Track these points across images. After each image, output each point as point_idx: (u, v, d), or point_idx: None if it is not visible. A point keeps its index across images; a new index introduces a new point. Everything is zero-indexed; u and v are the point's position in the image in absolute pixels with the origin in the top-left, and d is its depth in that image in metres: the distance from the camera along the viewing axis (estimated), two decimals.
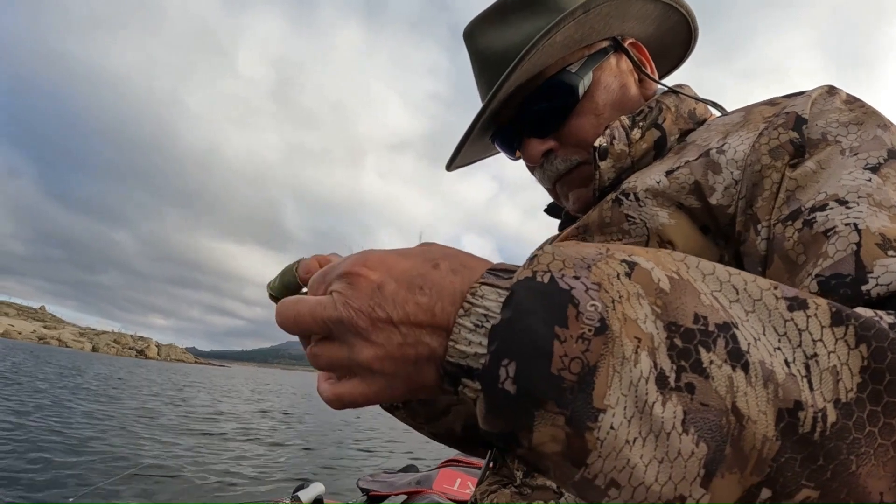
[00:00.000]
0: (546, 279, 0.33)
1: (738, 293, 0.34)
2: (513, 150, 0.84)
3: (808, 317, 0.32)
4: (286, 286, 0.72)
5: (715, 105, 0.77)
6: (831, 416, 0.30)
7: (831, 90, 0.58)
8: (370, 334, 0.36)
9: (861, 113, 0.55)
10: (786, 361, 0.31)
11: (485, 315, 0.34)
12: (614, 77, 0.78)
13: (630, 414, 0.30)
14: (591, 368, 0.30)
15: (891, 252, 0.40)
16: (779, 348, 0.31)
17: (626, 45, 0.79)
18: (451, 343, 0.35)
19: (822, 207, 0.47)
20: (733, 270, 0.35)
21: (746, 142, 0.57)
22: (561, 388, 0.30)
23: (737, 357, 0.31)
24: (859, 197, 0.45)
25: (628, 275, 0.33)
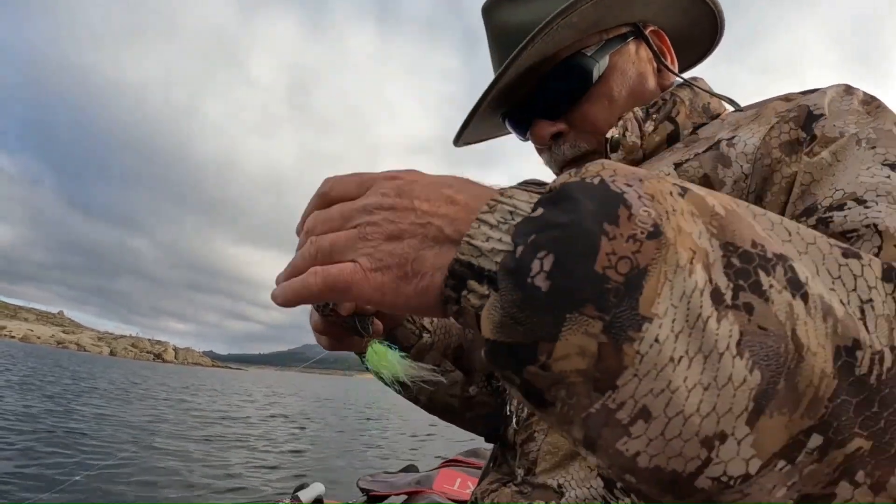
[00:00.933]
0: (596, 181, 0.31)
1: (790, 234, 0.32)
2: (523, 131, 0.83)
3: (862, 265, 0.31)
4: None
5: (730, 101, 0.76)
6: (888, 361, 0.28)
7: (848, 89, 0.58)
8: (386, 210, 0.37)
9: (877, 109, 0.55)
10: (841, 301, 0.29)
11: (511, 212, 0.33)
12: (632, 64, 0.77)
13: (679, 328, 0.27)
14: (640, 271, 0.28)
15: None
16: (833, 289, 0.30)
17: (647, 32, 0.78)
18: (466, 239, 0.33)
19: (840, 207, 0.46)
20: (780, 217, 0.34)
21: (757, 135, 0.57)
22: (604, 289, 0.28)
23: (796, 286, 0.29)
24: (878, 195, 0.44)
25: (682, 195, 0.31)
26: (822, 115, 0.54)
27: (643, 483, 0.29)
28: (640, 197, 0.30)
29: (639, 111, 0.73)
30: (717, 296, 0.28)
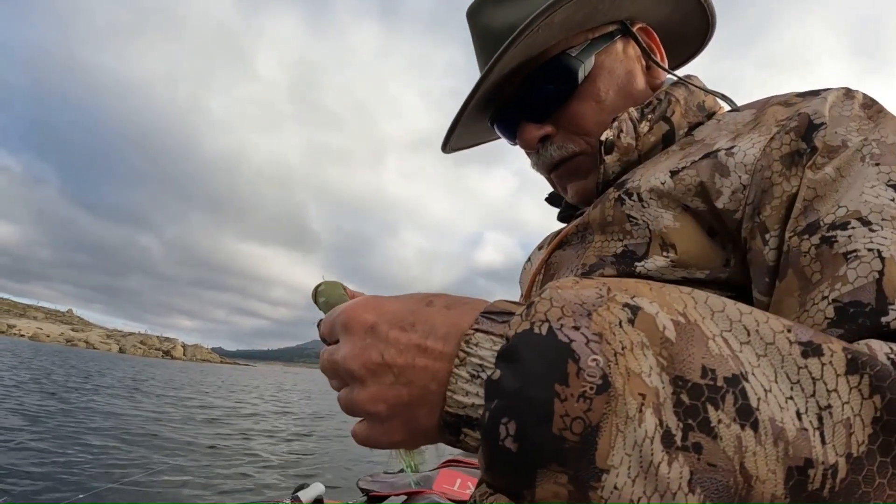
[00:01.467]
0: (544, 330, 0.33)
1: (749, 335, 0.32)
2: (511, 134, 0.82)
3: (822, 364, 0.31)
4: (331, 304, 0.77)
5: (724, 98, 0.76)
6: (842, 472, 0.29)
7: (848, 93, 0.57)
8: (364, 377, 0.39)
9: (879, 116, 0.54)
10: (798, 413, 0.30)
11: (480, 365, 0.35)
12: (619, 63, 0.76)
13: (635, 473, 0.30)
14: (593, 429, 0.30)
15: None
16: (791, 398, 0.31)
17: (634, 29, 0.77)
18: (448, 393, 0.36)
19: (844, 226, 0.45)
20: (745, 308, 0.34)
21: (757, 145, 0.55)
22: (563, 449, 0.30)
23: (746, 415, 0.30)
24: (883, 219, 0.44)
25: (631, 321, 0.32)
26: (822, 123, 0.53)
27: None
28: (587, 342, 0.31)
29: (633, 111, 0.72)
30: (667, 438, 0.30)
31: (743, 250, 0.54)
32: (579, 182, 0.77)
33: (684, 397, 0.30)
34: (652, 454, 0.29)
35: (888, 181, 0.47)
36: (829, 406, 0.30)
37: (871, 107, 0.55)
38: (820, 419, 0.30)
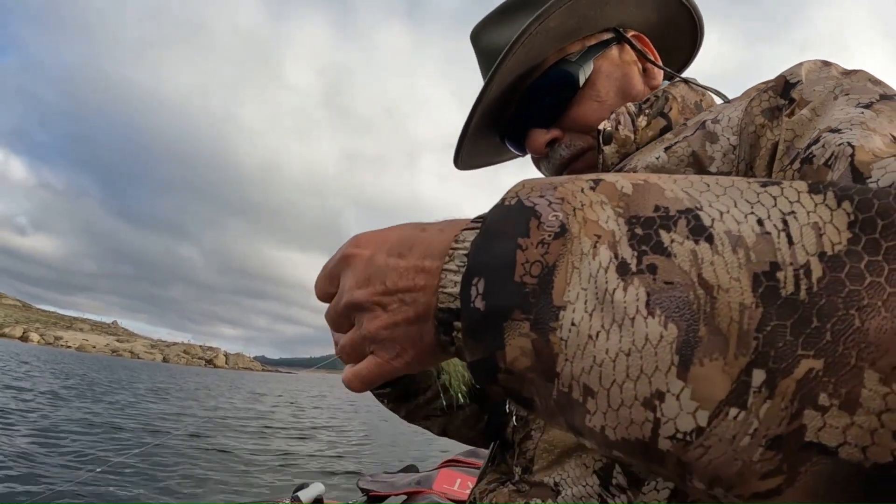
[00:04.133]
0: (513, 202, 0.36)
1: (708, 186, 0.33)
2: (521, 145, 0.87)
3: (782, 188, 0.31)
4: None
5: (718, 93, 0.82)
6: (817, 271, 0.27)
7: (826, 63, 0.60)
8: (373, 306, 0.41)
9: (855, 72, 0.57)
10: (759, 221, 0.29)
11: (465, 254, 0.37)
12: (616, 66, 0.82)
13: (591, 307, 0.30)
14: (549, 268, 0.32)
15: (888, 157, 0.40)
16: (752, 213, 0.30)
17: (629, 35, 0.83)
18: (440, 289, 0.37)
19: (817, 140, 0.47)
20: (703, 175, 0.35)
21: (739, 108, 0.59)
22: (524, 294, 0.32)
23: (699, 231, 0.30)
24: (852, 125, 0.45)
25: (593, 188, 0.35)
26: (798, 81, 0.56)
27: (628, 456, 0.31)
28: (550, 204, 0.34)
29: (631, 106, 0.76)
30: (622, 267, 0.30)
31: None
32: None
33: (638, 230, 0.31)
34: (607, 283, 0.30)
35: (857, 103, 0.49)
36: (794, 212, 0.29)
37: (849, 72, 0.58)
38: (784, 222, 0.29)
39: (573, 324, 0.30)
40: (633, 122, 0.75)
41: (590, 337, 0.30)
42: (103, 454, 7.08)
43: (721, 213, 0.30)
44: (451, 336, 0.38)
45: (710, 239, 0.29)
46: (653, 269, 0.29)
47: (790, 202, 0.30)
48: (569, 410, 0.32)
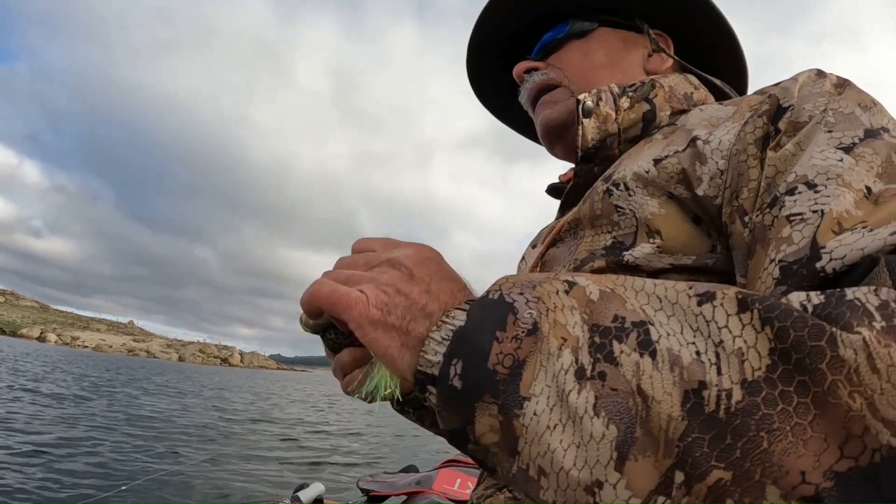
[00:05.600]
0: (496, 296, 0.41)
1: (661, 301, 0.38)
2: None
3: (714, 307, 0.35)
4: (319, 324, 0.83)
5: (726, 86, 0.84)
6: (737, 395, 0.31)
7: (820, 73, 0.59)
8: (410, 270, 0.47)
9: (846, 89, 0.56)
10: (697, 352, 0.34)
11: (451, 330, 0.42)
12: (621, 41, 0.85)
13: (552, 403, 0.35)
14: (520, 362, 0.37)
15: (846, 232, 0.41)
16: (693, 342, 0.34)
17: (652, 32, 0.86)
18: (421, 353, 0.43)
19: (792, 191, 0.48)
20: (660, 282, 0.40)
21: (732, 131, 0.58)
22: (495, 381, 0.37)
23: (645, 346, 0.35)
24: (828, 178, 0.46)
25: (567, 291, 0.40)
26: (790, 105, 0.55)
27: None
28: (527, 302, 0.40)
29: (615, 87, 0.77)
30: (580, 372, 0.35)
31: (727, 236, 0.56)
32: (549, 111, 0.85)
33: (597, 338, 0.36)
34: (565, 384, 0.35)
35: (838, 144, 0.49)
36: (722, 342, 0.33)
37: (843, 85, 0.57)
38: (717, 355, 0.33)
39: (535, 413, 0.36)
40: (615, 101, 0.76)
41: (548, 427, 0.35)
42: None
43: (668, 334, 0.35)
44: (424, 395, 0.43)
45: (653, 354, 0.34)
46: (602, 376, 0.35)
47: (719, 328, 0.34)
48: (526, 483, 0.37)
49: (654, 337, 0.35)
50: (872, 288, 0.33)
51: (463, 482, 3.72)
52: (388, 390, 0.50)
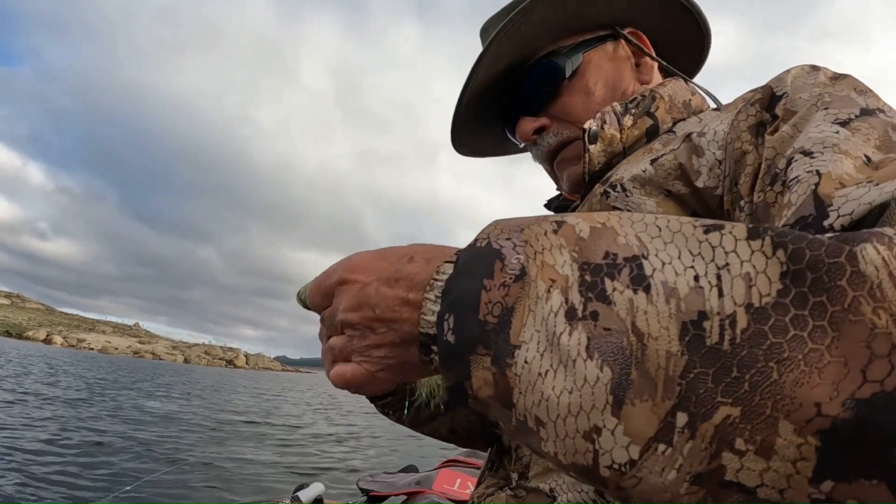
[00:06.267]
0: (483, 244, 0.40)
1: (660, 230, 0.36)
2: (514, 132, 0.90)
3: (722, 234, 0.33)
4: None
5: (711, 96, 0.82)
6: (741, 322, 0.29)
7: (814, 67, 0.59)
8: (362, 328, 0.47)
9: (843, 78, 0.56)
10: (695, 276, 0.31)
11: (442, 287, 0.42)
12: (608, 60, 0.84)
13: (542, 348, 0.34)
14: (509, 310, 0.36)
15: (851, 185, 0.40)
16: (691, 266, 0.32)
17: (625, 32, 0.85)
18: (420, 316, 0.43)
19: (790, 162, 0.48)
20: (662, 215, 0.37)
21: (726, 121, 0.59)
22: (486, 331, 0.36)
23: (639, 281, 0.33)
24: (824, 147, 0.45)
25: (555, 231, 0.38)
26: (784, 93, 0.56)
27: (579, 478, 0.35)
28: (514, 247, 0.38)
29: (617, 106, 0.77)
30: (570, 312, 0.34)
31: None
32: (573, 168, 0.83)
33: (587, 277, 0.34)
34: (555, 327, 0.34)
35: (834, 119, 0.49)
36: (728, 264, 0.31)
37: (838, 77, 0.57)
38: (718, 277, 0.31)
39: (526, 361, 0.34)
40: (618, 121, 0.76)
41: (539, 374, 0.34)
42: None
43: (663, 264, 0.33)
44: (430, 357, 0.43)
45: (647, 289, 0.32)
46: (595, 315, 0.33)
47: (726, 252, 0.32)
48: (526, 436, 0.36)
49: (648, 271, 0.33)
50: (888, 229, 0.31)
51: (463, 482, 3.72)
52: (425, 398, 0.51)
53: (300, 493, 3.66)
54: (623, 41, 0.85)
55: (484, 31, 0.92)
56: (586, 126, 0.76)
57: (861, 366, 0.27)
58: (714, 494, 0.29)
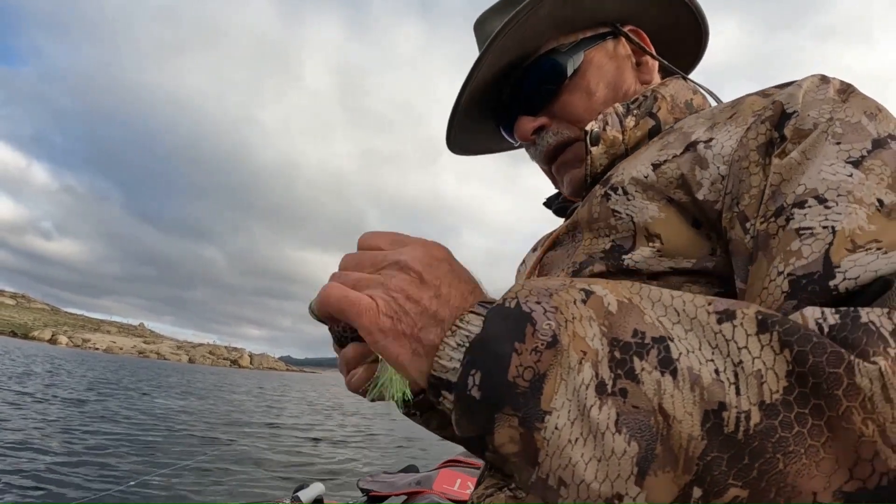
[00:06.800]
0: (513, 304, 0.42)
1: (678, 315, 0.39)
2: (512, 132, 0.89)
3: (734, 326, 0.36)
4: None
5: (712, 94, 0.83)
6: (755, 417, 0.33)
7: (823, 79, 0.58)
8: (418, 274, 0.47)
9: (850, 96, 0.55)
10: (716, 370, 0.35)
11: (467, 336, 0.43)
12: (609, 59, 0.82)
13: (573, 417, 0.36)
14: (540, 376, 0.38)
15: (860, 251, 0.41)
16: (711, 360, 0.35)
17: (625, 30, 0.84)
18: (435, 358, 0.44)
19: (802, 204, 0.47)
20: (677, 293, 0.41)
21: (734, 137, 0.58)
22: (515, 393, 0.38)
23: (666, 364, 0.36)
24: (839, 195, 0.45)
25: (584, 301, 0.41)
26: (794, 112, 0.54)
27: None
28: (545, 312, 0.40)
29: (619, 107, 0.76)
30: (601, 387, 0.36)
31: (726, 241, 0.56)
32: (574, 171, 0.82)
33: (617, 353, 0.37)
34: (586, 399, 0.36)
35: (847, 158, 0.48)
36: (741, 362, 0.35)
37: (846, 91, 0.56)
38: (735, 374, 0.34)
39: (556, 427, 0.37)
40: (620, 122, 0.75)
41: (569, 441, 0.36)
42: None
43: (687, 351, 0.36)
44: (438, 399, 0.45)
45: (674, 373, 0.35)
46: (624, 393, 0.36)
47: (739, 348, 0.35)
48: (545, 492, 0.38)
49: (675, 355, 0.36)
50: (886, 311, 0.35)
51: (463, 482, 3.71)
52: (399, 393, 0.50)
53: (300, 493, 3.67)
54: (624, 39, 0.84)
55: (479, 24, 0.90)
56: (588, 128, 0.75)
57: (849, 465, 0.31)
58: None
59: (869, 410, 0.31)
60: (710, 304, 0.39)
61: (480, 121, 0.93)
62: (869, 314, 0.35)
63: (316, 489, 3.73)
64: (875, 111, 0.53)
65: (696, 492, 0.33)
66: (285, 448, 9.85)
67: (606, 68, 0.82)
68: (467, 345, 0.43)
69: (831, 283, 0.40)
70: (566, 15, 0.80)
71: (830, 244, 0.42)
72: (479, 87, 0.85)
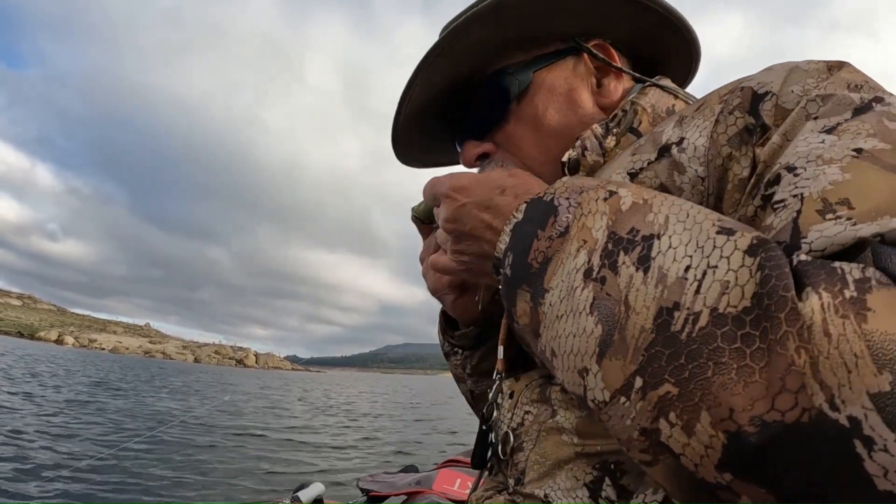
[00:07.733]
0: (549, 198, 0.50)
1: (688, 216, 0.41)
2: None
3: (728, 239, 0.37)
4: (429, 210, 0.80)
5: (691, 97, 0.75)
6: (702, 321, 0.35)
7: (809, 61, 0.56)
8: (455, 237, 0.61)
9: (837, 73, 0.53)
10: (687, 267, 0.37)
11: (516, 222, 0.53)
12: (563, 80, 0.76)
13: (563, 295, 0.43)
14: (548, 259, 0.46)
15: (829, 216, 0.40)
16: (690, 256, 0.38)
17: (589, 45, 0.77)
18: (498, 242, 0.54)
19: (777, 180, 0.46)
20: (698, 205, 0.43)
21: (704, 133, 0.56)
22: (530, 273, 0.47)
23: (643, 262, 0.39)
24: (808, 161, 0.44)
25: (605, 199, 0.46)
26: (767, 92, 0.53)
27: (581, 406, 0.45)
28: (569, 206, 0.47)
29: (598, 128, 0.71)
30: (588, 272, 0.42)
31: None
32: None
33: (610, 245, 0.42)
34: (574, 281, 0.43)
35: (822, 128, 0.47)
36: (716, 267, 0.36)
37: (834, 67, 0.54)
38: (704, 274, 0.36)
39: (551, 304, 0.45)
40: (601, 144, 0.70)
41: (557, 316, 0.44)
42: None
43: (668, 248, 0.39)
44: (498, 277, 0.54)
45: (647, 270, 0.39)
46: (603, 280, 0.41)
47: (721, 256, 0.37)
48: (547, 361, 0.47)
49: (654, 253, 0.39)
50: (861, 266, 0.34)
51: (463, 482, 3.70)
52: None
53: (300, 493, 3.66)
54: (587, 56, 0.78)
55: (441, 34, 0.84)
56: (564, 158, 0.70)
57: (773, 393, 0.31)
58: (654, 447, 0.37)
59: (805, 339, 0.31)
60: (720, 219, 0.40)
61: (437, 133, 0.89)
62: (842, 264, 0.34)
63: (316, 489, 3.72)
64: (861, 82, 0.51)
65: (638, 381, 0.37)
66: (285, 448, 9.86)
67: (559, 90, 0.76)
68: (511, 229, 0.52)
69: (795, 255, 0.39)
70: (505, 37, 0.75)
71: (798, 212, 0.42)
72: (423, 108, 0.82)
